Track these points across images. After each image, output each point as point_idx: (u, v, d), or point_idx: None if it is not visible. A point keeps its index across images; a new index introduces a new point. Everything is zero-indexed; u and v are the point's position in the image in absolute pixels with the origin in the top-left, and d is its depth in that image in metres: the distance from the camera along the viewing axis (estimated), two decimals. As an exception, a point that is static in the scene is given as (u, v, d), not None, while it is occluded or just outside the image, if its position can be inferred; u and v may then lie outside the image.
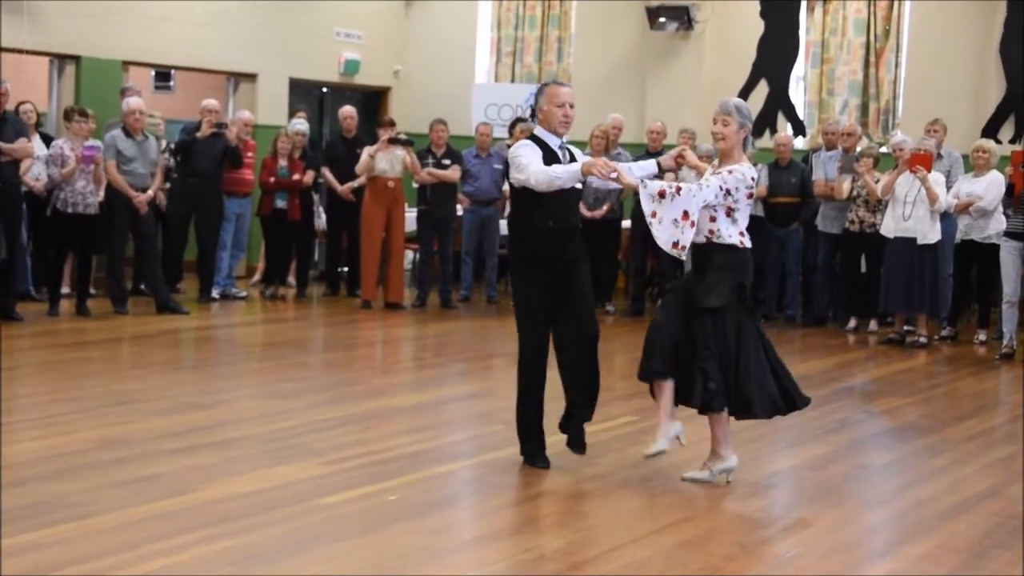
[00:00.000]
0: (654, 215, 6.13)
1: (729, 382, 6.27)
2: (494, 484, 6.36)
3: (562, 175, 6.32)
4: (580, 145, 12.64)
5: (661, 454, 6.42)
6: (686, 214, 6.11)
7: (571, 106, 6.52)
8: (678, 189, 6.13)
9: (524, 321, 6.61)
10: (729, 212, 6.26)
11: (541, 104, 6.53)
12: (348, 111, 13.99)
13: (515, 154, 6.46)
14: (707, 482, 6.36)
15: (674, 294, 6.50)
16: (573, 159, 6.59)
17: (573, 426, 6.70)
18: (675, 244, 6.12)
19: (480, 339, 11.72)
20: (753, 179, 6.31)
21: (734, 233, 6.28)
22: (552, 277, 6.51)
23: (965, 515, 5.90)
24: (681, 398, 6.44)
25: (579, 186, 6.55)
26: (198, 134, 12.33)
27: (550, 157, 6.46)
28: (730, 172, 6.24)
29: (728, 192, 6.20)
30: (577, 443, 6.70)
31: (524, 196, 6.46)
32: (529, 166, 6.35)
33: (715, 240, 6.27)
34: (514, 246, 6.65)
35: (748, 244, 6.34)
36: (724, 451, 6.40)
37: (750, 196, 6.30)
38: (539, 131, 6.57)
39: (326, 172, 13.59)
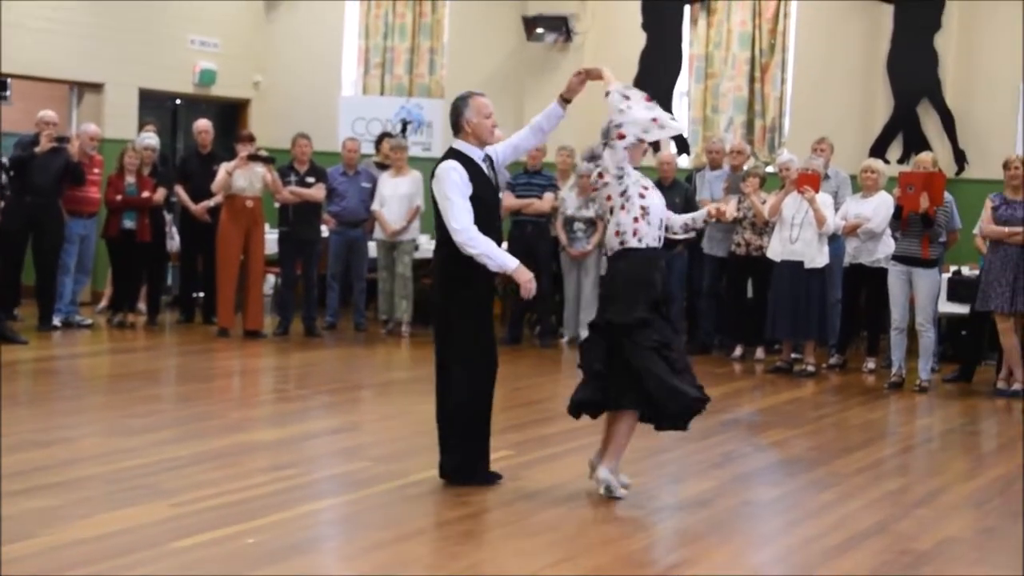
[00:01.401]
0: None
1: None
2: (362, 524, 6.35)
3: (493, 261, 6.71)
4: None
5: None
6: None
7: None
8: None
9: (478, 338, 6.90)
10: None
11: (468, 117, 6.90)
12: (203, 125, 13.86)
13: (446, 189, 6.71)
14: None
15: None
16: (492, 167, 6.98)
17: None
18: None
19: (347, 369, 11.68)
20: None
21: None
22: (489, 297, 6.94)
23: (852, 552, 6.04)
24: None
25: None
26: (37, 149, 12.12)
27: (476, 173, 6.80)
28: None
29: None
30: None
31: None
32: (463, 219, 6.67)
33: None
34: (456, 266, 6.77)
35: None
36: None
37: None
38: (461, 145, 6.91)
39: (179, 190, 13.46)
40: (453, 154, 6.88)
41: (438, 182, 6.79)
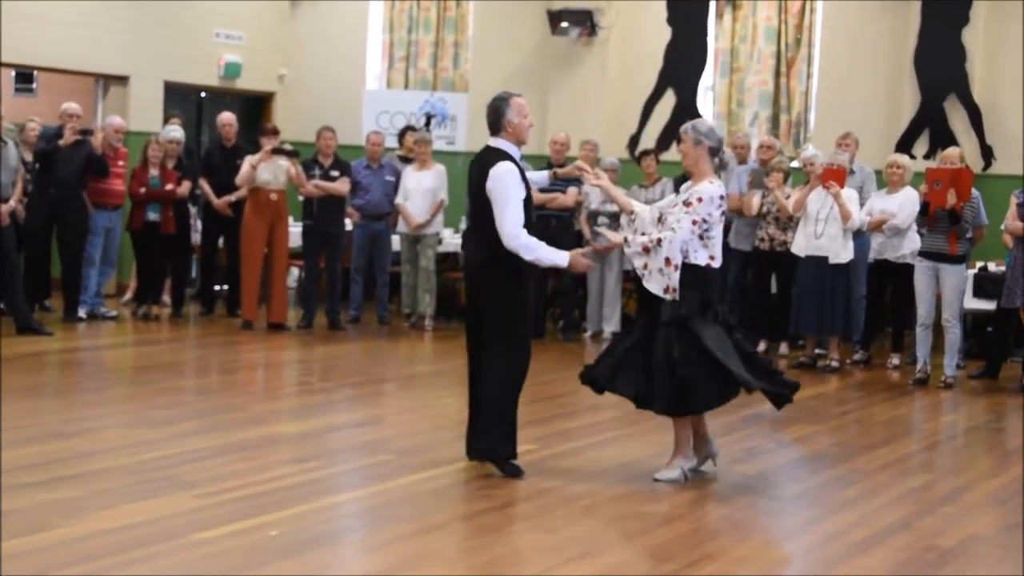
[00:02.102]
0: (645, 267, 6.99)
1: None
2: (383, 517, 6.36)
3: (546, 260, 7.00)
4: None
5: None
6: (668, 261, 6.94)
7: None
8: (658, 241, 6.93)
9: (521, 329, 7.16)
10: (702, 236, 6.99)
11: (510, 117, 7.11)
12: (227, 118, 13.88)
13: (505, 192, 6.92)
14: (677, 482, 7.08)
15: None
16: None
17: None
18: (666, 290, 6.96)
19: (370, 362, 11.69)
20: (721, 196, 7.06)
21: (703, 256, 7.02)
22: (527, 291, 7.17)
23: (875, 549, 6.02)
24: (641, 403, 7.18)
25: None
26: (61, 142, 12.17)
27: (521, 174, 7.09)
28: (699, 200, 6.97)
29: (704, 221, 6.96)
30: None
31: None
32: (517, 225, 6.88)
33: (686, 261, 6.99)
34: (501, 259, 6.98)
35: (716, 265, 7.09)
36: (687, 450, 7.19)
37: (723, 214, 7.09)
38: (503, 145, 7.13)
39: (203, 183, 13.48)
40: (502, 155, 7.05)
41: (497, 182, 6.95)
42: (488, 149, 7.13)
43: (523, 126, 7.12)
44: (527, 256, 6.92)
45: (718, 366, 6.93)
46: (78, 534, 5.67)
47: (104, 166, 12.58)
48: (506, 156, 7.04)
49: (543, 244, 6.98)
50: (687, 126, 7.23)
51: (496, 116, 7.12)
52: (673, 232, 6.93)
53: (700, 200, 6.98)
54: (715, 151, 7.16)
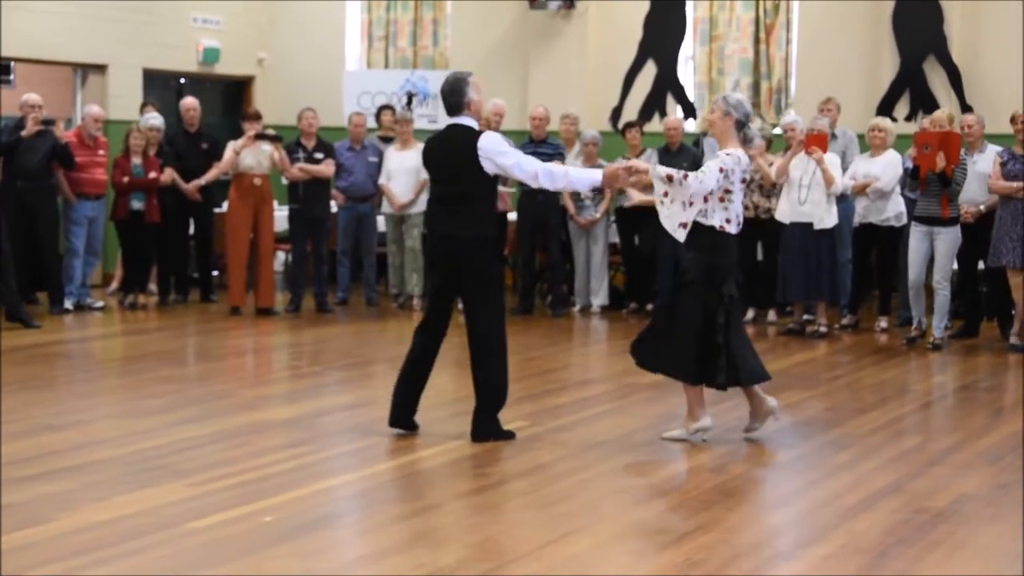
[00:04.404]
0: (665, 195, 7.14)
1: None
2: (378, 499, 6.37)
3: (578, 182, 7.43)
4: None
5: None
6: (692, 199, 7.12)
7: None
8: (685, 176, 7.12)
9: (501, 299, 7.47)
10: (723, 198, 7.16)
11: (472, 96, 7.26)
12: (190, 103, 13.84)
13: (506, 149, 7.20)
14: (683, 440, 7.31)
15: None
16: None
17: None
18: (682, 225, 7.15)
19: (360, 344, 11.68)
20: (748, 164, 7.33)
21: (719, 218, 7.19)
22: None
23: (868, 513, 6.04)
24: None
25: None
26: (23, 133, 12.13)
27: None
28: (727, 154, 7.18)
29: (726, 174, 7.11)
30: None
31: (489, 185, 7.24)
32: (533, 162, 7.24)
33: (700, 221, 7.17)
34: (487, 233, 7.26)
35: (732, 231, 7.25)
36: (698, 412, 7.32)
37: (744, 181, 7.28)
38: (469, 122, 7.27)
39: (169, 170, 13.34)
40: (476, 131, 7.22)
41: (491, 145, 7.13)
42: (458, 127, 7.25)
43: (482, 104, 7.41)
44: (560, 183, 7.34)
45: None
46: (73, 527, 5.67)
47: (69, 155, 12.52)
48: (479, 132, 7.22)
49: (570, 167, 7.39)
50: (719, 97, 7.46)
51: (459, 96, 7.26)
52: (702, 174, 7.12)
53: (728, 154, 7.19)
54: (742, 124, 7.29)
